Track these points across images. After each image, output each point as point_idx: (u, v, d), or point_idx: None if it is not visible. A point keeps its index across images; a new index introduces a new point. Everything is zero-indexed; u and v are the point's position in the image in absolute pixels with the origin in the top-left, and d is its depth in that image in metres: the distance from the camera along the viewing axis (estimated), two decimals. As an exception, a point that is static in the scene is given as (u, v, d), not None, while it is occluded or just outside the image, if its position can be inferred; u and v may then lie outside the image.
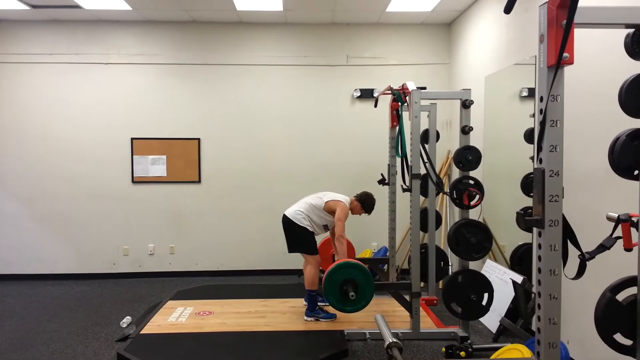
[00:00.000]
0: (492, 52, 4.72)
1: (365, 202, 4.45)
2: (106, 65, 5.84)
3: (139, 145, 5.89)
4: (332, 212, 4.28)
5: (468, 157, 3.65)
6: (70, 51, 5.80)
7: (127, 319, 4.31)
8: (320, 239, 4.69)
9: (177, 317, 4.37)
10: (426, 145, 4.38)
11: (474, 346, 3.58)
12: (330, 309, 4.18)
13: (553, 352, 1.73)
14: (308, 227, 4.26)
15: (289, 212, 4.32)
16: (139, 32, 5.85)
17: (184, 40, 5.88)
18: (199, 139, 5.93)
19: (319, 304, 4.31)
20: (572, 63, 1.59)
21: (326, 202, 4.28)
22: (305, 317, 4.27)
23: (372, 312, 3.86)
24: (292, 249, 4.37)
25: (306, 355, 3.56)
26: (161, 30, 5.86)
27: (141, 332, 3.98)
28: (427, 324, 4.15)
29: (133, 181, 5.92)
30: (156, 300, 4.97)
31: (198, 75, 5.91)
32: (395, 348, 2.49)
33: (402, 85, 3.96)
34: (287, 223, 4.30)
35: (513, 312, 3.90)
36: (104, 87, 5.84)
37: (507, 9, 1.70)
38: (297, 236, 4.29)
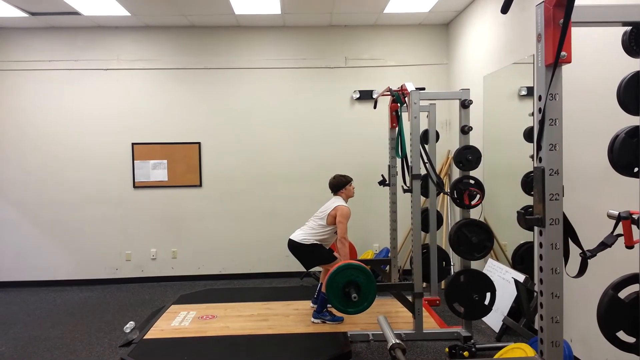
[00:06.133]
0: (490, 52, 4.73)
1: (343, 182, 4.45)
2: (106, 71, 5.85)
3: (139, 150, 5.90)
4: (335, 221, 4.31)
5: (468, 156, 3.66)
6: (69, 58, 5.82)
7: (131, 324, 4.31)
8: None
9: (180, 321, 4.37)
10: (426, 146, 4.39)
11: (477, 346, 3.58)
12: (337, 312, 4.18)
13: (556, 350, 1.73)
14: (317, 243, 4.30)
15: (296, 237, 4.33)
16: (138, 37, 5.86)
17: (183, 45, 5.90)
18: (199, 143, 5.94)
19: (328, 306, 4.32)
20: (570, 62, 1.59)
21: (326, 218, 4.29)
22: (313, 319, 4.27)
23: (375, 313, 3.86)
24: (309, 265, 4.41)
25: (310, 357, 3.56)
26: (160, 36, 5.88)
27: (144, 337, 3.98)
28: (430, 324, 4.15)
29: (134, 186, 5.93)
30: (159, 305, 4.97)
31: (197, 80, 5.93)
32: (399, 349, 2.49)
33: (401, 86, 3.96)
34: (295, 247, 4.32)
35: (516, 311, 3.90)
36: (103, 93, 5.85)
37: (504, 9, 1.71)
38: (309, 254, 4.32)
